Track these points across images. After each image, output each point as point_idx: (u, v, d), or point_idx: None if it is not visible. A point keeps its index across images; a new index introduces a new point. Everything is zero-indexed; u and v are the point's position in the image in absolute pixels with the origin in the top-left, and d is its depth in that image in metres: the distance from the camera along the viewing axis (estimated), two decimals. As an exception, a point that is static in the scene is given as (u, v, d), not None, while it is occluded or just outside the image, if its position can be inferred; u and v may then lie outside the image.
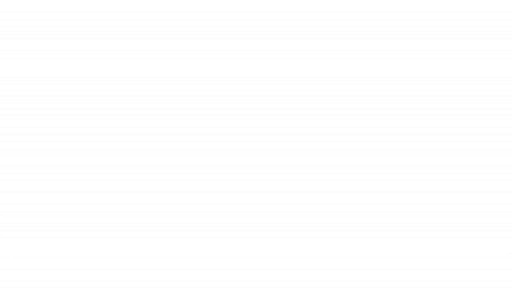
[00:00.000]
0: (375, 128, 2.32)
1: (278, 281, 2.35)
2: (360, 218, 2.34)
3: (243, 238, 2.35)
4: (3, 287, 2.34)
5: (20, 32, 2.34)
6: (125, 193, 2.34)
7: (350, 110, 2.32)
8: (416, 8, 2.34)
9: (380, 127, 2.32)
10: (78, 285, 2.35)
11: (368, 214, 2.33)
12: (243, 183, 2.33)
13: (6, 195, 2.34)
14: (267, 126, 2.33)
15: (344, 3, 2.34)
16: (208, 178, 2.34)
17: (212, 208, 2.34)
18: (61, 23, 2.34)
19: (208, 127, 2.33)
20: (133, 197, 2.34)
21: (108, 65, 2.34)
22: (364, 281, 2.35)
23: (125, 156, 2.33)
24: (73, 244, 2.35)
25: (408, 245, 2.34)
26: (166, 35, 2.34)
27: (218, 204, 2.34)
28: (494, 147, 2.32)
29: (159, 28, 2.34)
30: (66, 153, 2.33)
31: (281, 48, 2.33)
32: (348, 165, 2.33)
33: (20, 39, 2.34)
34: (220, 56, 2.34)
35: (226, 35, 2.34)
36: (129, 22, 2.34)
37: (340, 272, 2.35)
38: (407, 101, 2.32)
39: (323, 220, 2.34)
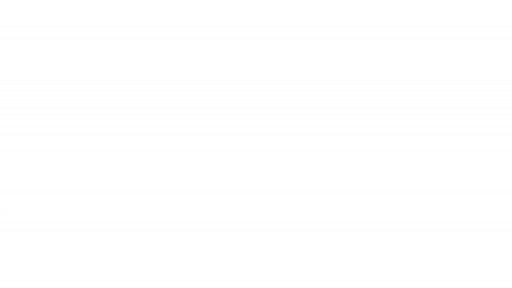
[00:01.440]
0: (375, 128, 2.32)
1: (278, 281, 2.35)
2: (360, 218, 2.33)
3: (243, 238, 2.35)
4: (3, 287, 2.34)
5: (20, 32, 2.34)
6: (125, 193, 2.34)
7: (350, 110, 2.32)
8: (416, 8, 2.34)
9: (380, 127, 2.32)
10: (78, 285, 2.35)
11: (368, 214, 2.33)
12: (243, 183, 2.33)
13: (6, 195, 2.34)
14: (267, 126, 2.33)
15: (344, 3, 2.34)
16: (208, 178, 2.34)
17: (212, 208, 2.34)
18: (61, 23, 2.34)
19: (208, 127, 2.33)
20: (133, 197, 2.34)
21: (108, 65, 2.34)
22: (364, 281, 2.35)
23: (125, 156, 2.33)
24: (73, 244, 2.35)
25: (408, 245, 2.34)
26: (166, 35, 2.34)
27: (218, 204, 2.34)
28: (494, 147, 2.32)
29: (159, 28, 2.34)
30: (66, 153, 2.33)
31: (281, 48, 2.33)
32: (348, 165, 2.33)
33: (20, 39, 2.34)
34: (220, 56, 2.34)
35: (226, 35, 2.34)
36: (129, 22, 2.34)
37: (340, 272, 2.35)
38: (407, 101, 2.32)
39: (323, 220, 2.34)
